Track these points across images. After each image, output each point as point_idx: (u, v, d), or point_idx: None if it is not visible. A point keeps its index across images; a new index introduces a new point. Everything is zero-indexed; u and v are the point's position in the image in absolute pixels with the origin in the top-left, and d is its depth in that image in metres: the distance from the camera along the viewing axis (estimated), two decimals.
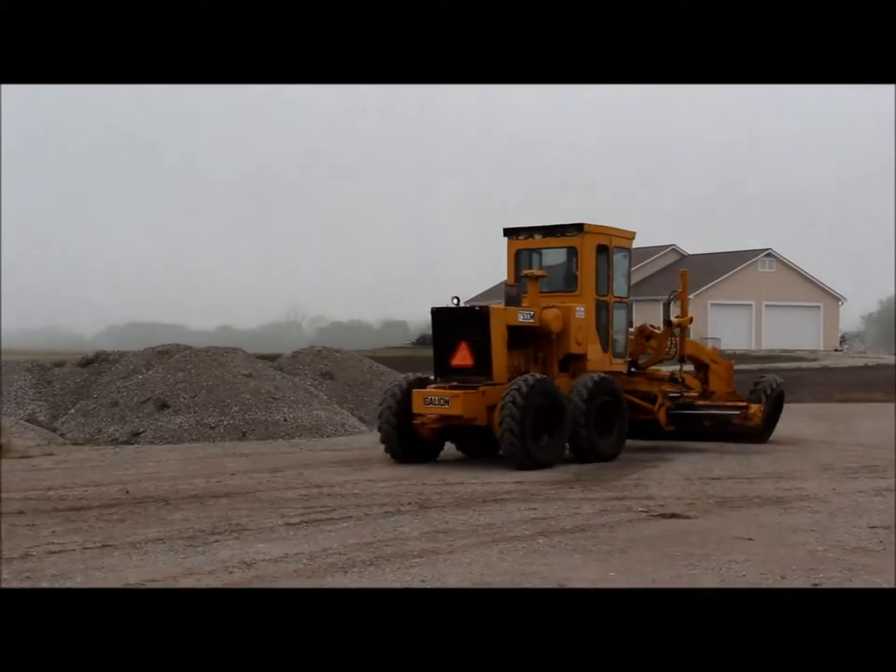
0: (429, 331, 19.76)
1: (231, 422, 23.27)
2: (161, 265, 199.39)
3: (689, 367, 22.30)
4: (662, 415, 20.80)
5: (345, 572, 9.76)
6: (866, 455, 19.55)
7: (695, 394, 21.52)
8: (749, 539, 11.24)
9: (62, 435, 23.44)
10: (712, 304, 77.23)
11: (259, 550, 10.75)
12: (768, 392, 21.85)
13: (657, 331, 21.75)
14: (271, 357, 30.86)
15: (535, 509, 13.24)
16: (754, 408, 20.88)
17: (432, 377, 19.05)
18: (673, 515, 12.68)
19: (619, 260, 20.39)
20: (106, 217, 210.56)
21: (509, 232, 20.43)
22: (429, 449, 18.86)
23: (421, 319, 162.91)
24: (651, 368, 21.74)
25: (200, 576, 9.65)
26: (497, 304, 19.25)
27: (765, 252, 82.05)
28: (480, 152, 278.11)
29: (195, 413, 23.45)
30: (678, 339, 21.65)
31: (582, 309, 19.33)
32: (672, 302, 22.12)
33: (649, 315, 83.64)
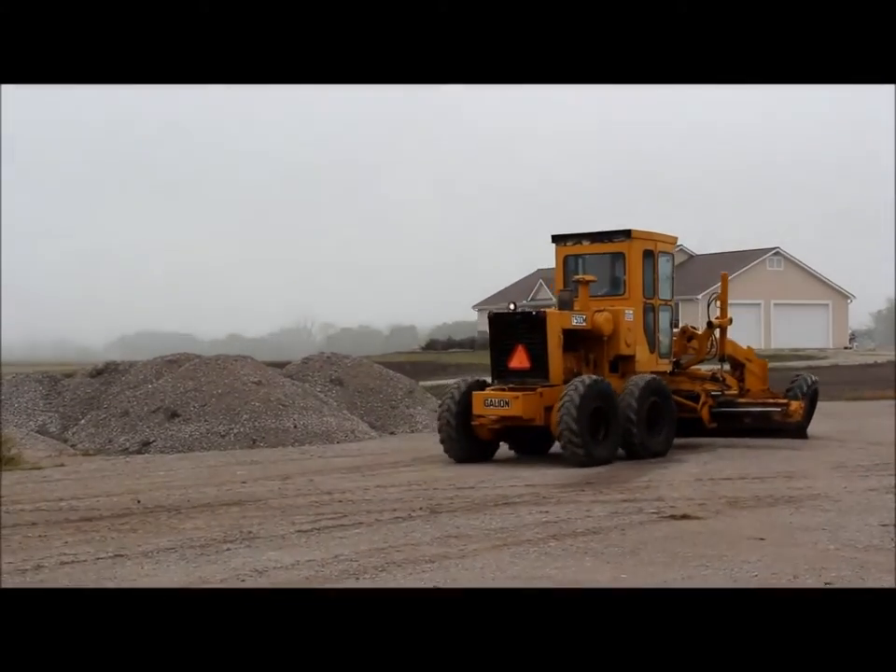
0: (437, 336, 20.41)
1: (242, 430, 23.31)
2: (171, 274, 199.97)
3: (725, 366, 22.84)
4: (705, 413, 21.54)
5: (357, 578, 9.77)
6: (877, 453, 19.50)
7: (735, 392, 22.34)
8: (761, 538, 11.22)
9: (72, 446, 23.49)
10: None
11: (271, 558, 10.75)
12: (804, 389, 22.42)
13: (698, 332, 22.65)
14: (280, 365, 30.89)
15: (546, 512, 13.24)
16: (794, 405, 21.56)
17: (489, 380, 19.84)
18: (684, 516, 12.66)
19: (663, 264, 21.30)
20: (116, 227, 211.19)
21: (557, 239, 21.26)
22: (486, 449, 19.64)
23: (430, 323, 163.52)
24: (692, 367, 22.55)
25: (212, 585, 9.66)
26: (551, 309, 20.04)
27: (773, 251, 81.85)
28: (493, 155, 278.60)
29: (205, 421, 23.48)
30: (717, 339, 22.37)
31: (631, 312, 20.16)
32: (712, 304, 23.02)
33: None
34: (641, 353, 20.40)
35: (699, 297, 77.42)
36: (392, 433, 26.28)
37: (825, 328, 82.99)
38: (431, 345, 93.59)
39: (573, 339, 19.64)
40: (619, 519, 12.62)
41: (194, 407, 23.89)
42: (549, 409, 18.55)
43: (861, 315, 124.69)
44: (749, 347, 24.21)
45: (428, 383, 44.40)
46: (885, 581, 9.26)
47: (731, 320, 22.73)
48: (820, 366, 55.23)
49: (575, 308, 19.89)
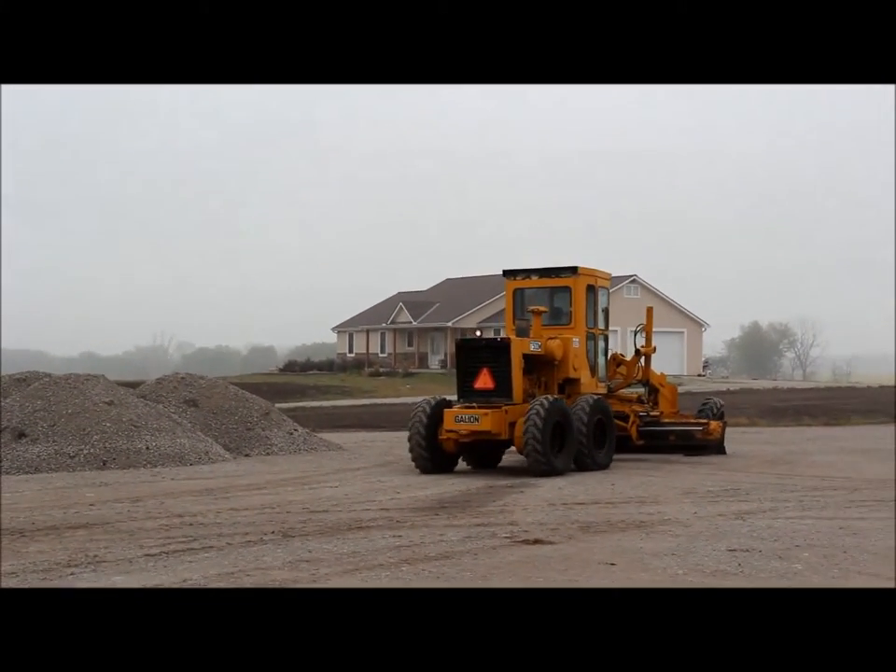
0: (296, 358, 20.89)
1: (92, 451, 22.78)
2: (22, 289, 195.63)
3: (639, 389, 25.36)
4: (633, 431, 23.95)
5: None
6: (727, 478, 19.85)
7: (657, 413, 24.81)
8: (612, 563, 11.30)
9: None
10: None
11: (117, 582, 10.49)
12: (714, 411, 25.41)
13: (626, 359, 25.30)
14: (134, 385, 30.34)
15: (399, 536, 13.17)
16: (714, 424, 24.36)
17: (448, 398, 22.13)
18: (536, 541, 12.70)
19: (602, 298, 23.93)
20: None
21: (508, 273, 23.79)
22: (450, 461, 21.73)
23: (290, 344, 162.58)
24: (620, 390, 24.91)
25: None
26: (512, 337, 22.13)
27: (630, 279, 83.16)
28: (359, 174, 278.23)
29: (54, 441, 22.90)
30: (643, 366, 25.07)
31: (578, 340, 22.76)
32: (638, 334, 25.40)
33: None
34: (585, 376, 22.99)
35: None
36: (247, 455, 25.95)
37: (680, 355, 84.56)
38: (290, 367, 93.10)
39: (529, 363, 21.89)
40: (472, 543, 12.60)
41: (42, 427, 23.28)
42: (512, 424, 20.81)
43: (715, 343, 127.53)
44: (661, 373, 26.19)
45: (286, 405, 44.12)
46: None
47: (654, 349, 25.43)
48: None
49: (530, 336, 22.14)
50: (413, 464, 21.45)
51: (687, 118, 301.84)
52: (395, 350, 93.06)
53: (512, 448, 21.59)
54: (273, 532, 13.54)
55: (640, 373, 25.11)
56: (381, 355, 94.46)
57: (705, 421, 24.54)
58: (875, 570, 10.83)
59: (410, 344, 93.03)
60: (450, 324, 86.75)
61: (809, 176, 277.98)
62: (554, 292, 23.42)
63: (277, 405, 32.64)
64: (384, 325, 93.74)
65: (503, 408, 21.01)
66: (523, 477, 20.18)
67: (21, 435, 23.02)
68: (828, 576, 10.58)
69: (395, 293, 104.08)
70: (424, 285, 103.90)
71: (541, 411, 20.31)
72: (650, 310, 26.22)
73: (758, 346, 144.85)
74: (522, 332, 22.13)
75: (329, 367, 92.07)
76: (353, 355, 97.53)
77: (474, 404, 21.30)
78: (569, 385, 22.77)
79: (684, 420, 25.01)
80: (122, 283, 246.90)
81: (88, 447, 22.84)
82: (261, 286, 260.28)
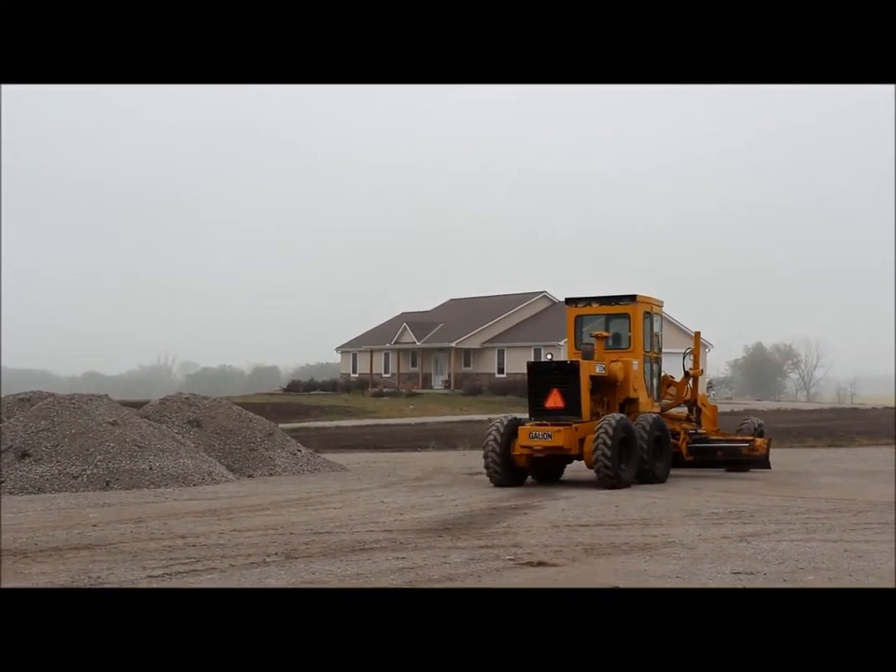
0: (299, 378, 21.10)
1: (95, 471, 22.77)
2: (25, 309, 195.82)
3: (683, 409, 27.10)
4: (684, 447, 25.73)
5: None
6: (731, 500, 19.80)
7: (705, 431, 26.56)
8: (616, 586, 11.25)
9: None
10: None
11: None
12: (753, 430, 27.81)
13: (676, 381, 26.90)
14: (138, 405, 30.32)
15: (403, 558, 13.12)
16: (759, 441, 26.19)
17: (519, 417, 24.09)
18: (540, 563, 12.65)
19: (656, 323, 26.03)
20: None
21: (569, 301, 25.90)
22: (522, 475, 23.69)
23: (292, 364, 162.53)
24: (670, 410, 26.62)
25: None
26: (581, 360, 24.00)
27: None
28: (365, 193, 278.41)
29: (57, 462, 22.89)
30: (691, 387, 26.90)
31: (636, 362, 24.77)
32: (686, 357, 27.22)
33: (523, 361, 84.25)
34: (643, 396, 24.92)
35: (561, 343, 78.30)
36: (250, 476, 25.94)
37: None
38: (293, 387, 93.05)
39: (593, 384, 23.81)
40: (475, 566, 12.55)
41: (46, 447, 23.27)
42: (581, 441, 22.80)
43: (719, 364, 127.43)
44: (703, 394, 28.15)
45: (289, 425, 44.10)
46: None
47: (702, 371, 27.37)
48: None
49: (595, 359, 24.12)
50: (488, 477, 23.38)
51: (694, 126, 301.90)
52: (398, 370, 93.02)
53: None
54: (276, 553, 13.50)
55: (689, 394, 26.90)
56: (384, 375, 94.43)
57: (750, 438, 26.50)
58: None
59: (413, 365, 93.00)
60: (454, 344, 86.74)
61: (817, 196, 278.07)
62: (613, 318, 25.34)
63: (280, 425, 32.61)
64: (387, 345, 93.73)
65: (573, 425, 22.95)
66: (535, 498, 20.15)
67: (25, 455, 23.00)
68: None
69: (398, 313, 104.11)
70: (427, 305, 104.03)
71: (609, 428, 22.11)
72: (697, 334, 28.07)
73: (762, 367, 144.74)
74: (587, 355, 24.21)
75: (332, 387, 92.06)
76: (356, 375, 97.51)
77: (546, 422, 23.15)
78: (629, 405, 24.64)
79: (730, 437, 26.88)
80: (125, 302, 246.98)
81: (91, 467, 22.82)
82: (265, 305, 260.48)
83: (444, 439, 40.51)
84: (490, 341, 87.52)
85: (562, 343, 75.66)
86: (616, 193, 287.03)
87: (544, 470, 24.18)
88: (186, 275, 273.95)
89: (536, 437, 22.95)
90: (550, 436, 22.79)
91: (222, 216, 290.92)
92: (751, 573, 11.95)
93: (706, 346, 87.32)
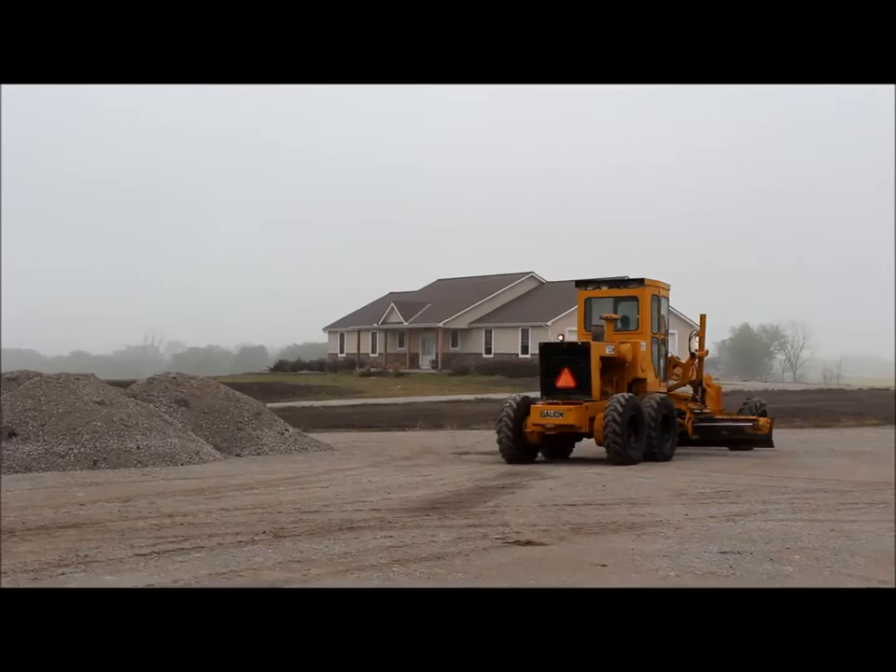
0: (286, 358, 21.15)
1: (82, 450, 22.74)
2: (11, 287, 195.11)
3: (688, 389, 27.74)
4: (689, 427, 26.47)
5: None
6: (719, 480, 19.87)
7: (709, 410, 27.24)
8: (603, 565, 11.28)
9: None
10: (570, 331, 77.90)
11: (108, 582, 10.46)
12: (755, 409, 27.95)
13: (682, 362, 27.72)
14: (125, 384, 30.29)
15: (391, 537, 13.14)
16: (763, 420, 26.72)
17: (531, 396, 25.05)
18: (528, 542, 12.69)
19: (663, 306, 26.69)
20: None
21: (579, 284, 26.67)
22: (533, 451, 24.47)
23: (279, 344, 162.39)
24: (676, 389, 27.33)
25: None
26: (590, 341, 24.79)
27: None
28: (350, 177, 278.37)
29: (44, 441, 22.86)
30: (697, 368, 27.53)
31: (645, 344, 25.47)
32: (692, 338, 27.99)
33: (510, 341, 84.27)
34: (650, 377, 25.69)
35: (549, 323, 78.40)
36: (238, 455, 25.95)
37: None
38: (280, 367, 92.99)
39: (603, 364, 24.58)
40: (463, 545, 12.58)
41: (33, 426, 23.23)
42: (591, 419, 23.65)
43: (706, 345, 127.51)
44: (708, 375, 28.60)
45: (277, 405, 44.07)
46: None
47: (707, 352, 27.97)
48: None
49: (604, 340, 24.89)
50: (501, 454, 24.08)
51: (674, 121, 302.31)
52: (386, 350, 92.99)
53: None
54: (264, 532, 13.52)
55: (694, 374, 27.58)
56: (372, 355, 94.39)
57: (754, 417, 26.93)
58: (866, 573, 10.83)
59: (401, 345, 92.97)
60: (441, 324, 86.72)
61: (802, 178, 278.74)
62: (622, 301, 26.07)
63: (268, 405, 32.60)
64: (375, 325, 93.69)
65: (584, 404, 23.87)
66: (523, 477, 20.20)
67: (12, 434, 22.97)
68: (819, 578, 10.58)
69: (386, 293, 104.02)
70: (415, 285, 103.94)
71: (619, 407, 22.97)
72: (703, 317, 28.20)
73: (749, 348, 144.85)
74: (597, 336, 24.97)
75: (319, 367, 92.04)
76: (344, 355, 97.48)
77: (557, 401, 24.08)
78: (637, 385, 25.42)
79: (734, 417, 27.40)
80: (112, 281, 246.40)
81: (78, 446, 22.80)
82: (253, 285, 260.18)
83: (432, 418, 40.53)
84: (477, 321, 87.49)
85: (549, 323, 76.53)
86: (597, 187, 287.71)
87: (555, 448, 24.98)
88: (174, 258, 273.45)
89: (547, 415, 23.84)
90: (561, 414, 23.71)
91: (210, 201, 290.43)
92: (738, 552, 12.00)
93: (692, 328, 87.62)
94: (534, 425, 23.96)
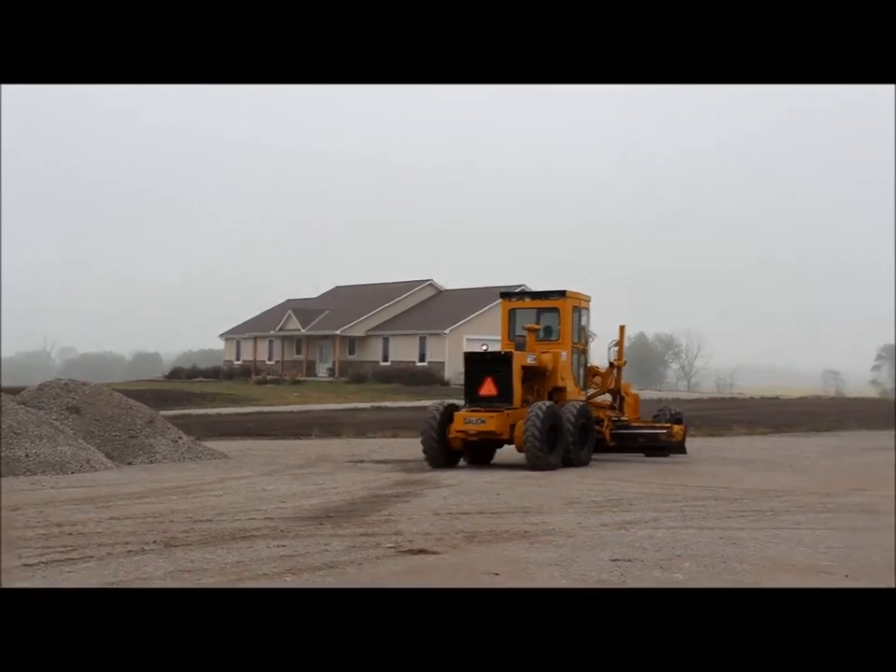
0: (182, 365, 21.04)
1: None
2: None
3: (606, 397, 28.60)
4: (607, 434, 27.38)
5: None
6: (612, 488, 20.05)
7: (627, 418, 28.18)
8: (496, 573, 11.32)
9: None
10: (468, 339, 78.18)
11: None
12: (667, 417, 28.86)
13: (601, 371, 28.56)
14: (15, 391, 29.76)
15: (284, 546, 13.07)
16: (677, 428, 27.43)
17: (455, 402, 26.30)
18: (421, 551, 12.69)
19: (584, 317, 27.74)
20: None
21: (504, 295, 28.00)
22: (456, 457, 25.44)
23: (176, 350, 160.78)
24: (595, 398, 28.30)
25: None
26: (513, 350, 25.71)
27: (519, 288, 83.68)
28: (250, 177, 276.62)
29: None
30: (615, 377, 28.34)
31: (565, 353, 26.50)
32: (611, 348, 28.54)
33: (408, 349, 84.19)
34: (570, 385, 26.72)
35: (446, 331, 78.64)
36: (130, 464, 25.59)
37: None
38: (175, 374, 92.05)
39: (525, 373, 25.52)
40: (356, 553, 12.54)
41: None
42: (512, 426, 24.52)
43: (601, 354, 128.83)
44: (626, 383, 29.50)
45: (171, 412, 43.60)
46: None
47: (625, 362, 28.75)
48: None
49: (526, 350, 25.68)
50: (425, 458, 25.04)
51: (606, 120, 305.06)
52: (283, 358, 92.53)
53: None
54: (154, 542, 13.35)
55: (613, 383, 28.38)
56: (269, 362, 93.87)
57: (668, 425, 27.72)
58: (753, 580, 11.00)
59: (298, 352, 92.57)
60: (339, 332, 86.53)
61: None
62: (544, 312, 27.09)
63: (162, 413, 32.24)
64: (272, 332, 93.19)
65: (505, 412, 24.75)
66: (417, 486, 20.20)
67: None
68: (707, 586, 10.71)
69: (284, 300, 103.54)
70: (313, 292, 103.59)
71: (540, 414, 23.94)
72: (622, 328, 29.01)
73: (644, 357, 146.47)
74: (520, 346, 25.77)
75: (215, 374, 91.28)
76: (240, 362, 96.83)
77: (480, 408, 24.94)
78: (557, 393, 26.33)
79: (650, 424, 28.34)
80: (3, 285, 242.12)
81: None
82: (148, 290, 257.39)
83: (328, 427, 40.39)
84: (375, 328, 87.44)
85: (447, 331, 76.85)
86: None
87: (477, 454, 25.87)
88: (67, 262, 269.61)
89: (470, 422, 24.79)
90: (483, 421, 24.66)
91: (110, 199, 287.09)
92: (629, 560, 12.12)
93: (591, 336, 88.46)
94: (457, 431, 24.85)
